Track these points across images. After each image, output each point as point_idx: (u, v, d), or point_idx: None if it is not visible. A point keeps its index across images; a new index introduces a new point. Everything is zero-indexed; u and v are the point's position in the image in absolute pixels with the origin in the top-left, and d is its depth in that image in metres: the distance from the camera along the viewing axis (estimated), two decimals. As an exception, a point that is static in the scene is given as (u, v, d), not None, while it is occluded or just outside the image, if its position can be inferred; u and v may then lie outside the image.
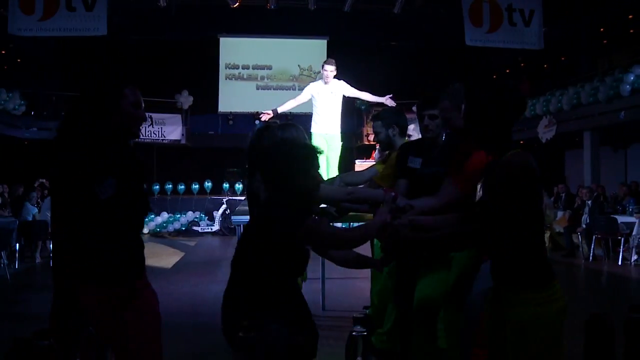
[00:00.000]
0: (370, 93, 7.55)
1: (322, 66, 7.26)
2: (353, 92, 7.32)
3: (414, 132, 4.53)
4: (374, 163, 5.00)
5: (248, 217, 5.71)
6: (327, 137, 7.15)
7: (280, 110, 7.33)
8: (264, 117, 7.22)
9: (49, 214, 10.70)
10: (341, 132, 7.44)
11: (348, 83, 7.35)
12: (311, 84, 7.59)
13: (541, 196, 2.41)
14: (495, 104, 2.22)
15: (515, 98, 2.26)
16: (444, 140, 3.42)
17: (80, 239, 2.20)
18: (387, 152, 4.47)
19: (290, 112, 17.23)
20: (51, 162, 2.25)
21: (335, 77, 7.21)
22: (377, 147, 5.90)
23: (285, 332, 2.44)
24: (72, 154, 2.20)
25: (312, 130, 7.27)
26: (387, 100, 7.33)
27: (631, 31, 15.48)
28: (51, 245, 10.14)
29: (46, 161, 2.23)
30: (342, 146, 7.46)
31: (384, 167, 4.19)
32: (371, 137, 18.34)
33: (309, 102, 7.41)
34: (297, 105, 7.60)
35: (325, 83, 7.17)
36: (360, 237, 2.55)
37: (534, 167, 2.22)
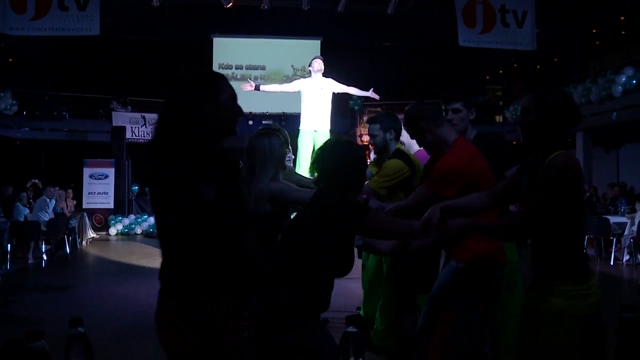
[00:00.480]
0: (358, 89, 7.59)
1: (311, 63, 7.20)
2: (341, 88, 7.28)
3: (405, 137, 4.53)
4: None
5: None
6: (315, 134, 7.05)
7: (262, 88, 7.38)
8: (247, 87, 7.27)
9: (40, 215, 10.67)
10: (330, 130, 7.32)
11: (340, 83, 7.34)
12: (301, 79, 7.53)
13: (582, 195, 2.44)
14: (562, 115, 2.35)
15: (576, 111, 2.40)
16: (472, 140, 3.41)
17: (188, 246, 2.06)
18: (377, 156, 4.45)
19: (284, 112, 17.36)
20: (153, 165, 2.09)
21: (323, 75, 7.17)
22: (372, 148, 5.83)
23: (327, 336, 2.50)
24: (177, 156, 2.04)
25: (301, 127, 7.21)
26: (371, 94, 7.45)
27: (623, 33, 15.56)
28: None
29: (146, 164, 1.95)
30: None
31: (379, 176, 4.10)
32: (365, 138, 18.35)
33: (299, 100, 7.34)
34: (281, 92, 7.60)
35: (315, 72, 7.10)
36: (407, 231, 2.56)
37: (573, 168, 2.29)
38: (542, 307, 2.31)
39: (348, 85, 7.37)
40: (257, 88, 7.33)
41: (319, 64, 7.10)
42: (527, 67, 18.84)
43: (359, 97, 18.35)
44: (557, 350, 2.27)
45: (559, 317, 2.26)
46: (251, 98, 18.96)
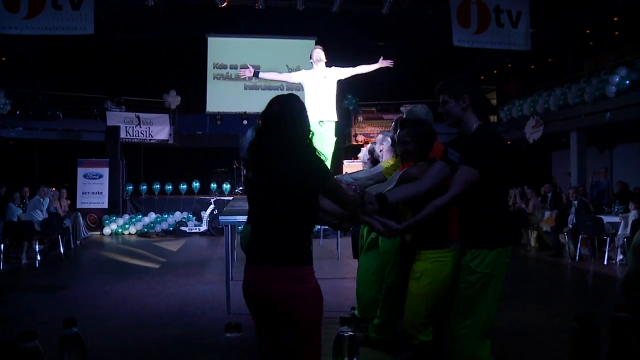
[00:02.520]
0: (367, 64, 6.75)
1: (311, 54, 6.65)
2: (347, 72, 6.64)
3: (383, 142, 4.67)
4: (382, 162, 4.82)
5: (236, 217, 5.74)
6: (321, 126, 6.39)
7: (260, 75, 6.78)
8: (246, 73, 6.71)
9: (34, 215, 10.62)
10: (336, 122, 6.66)
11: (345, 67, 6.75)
12: (302, 70, 6.83)
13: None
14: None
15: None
16: (471, 136, 3.11)
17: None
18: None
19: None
20: None
21: (326, 65, 6.65)
22: (366, 148, 5.67)
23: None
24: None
25: None
26: (382, 63, 6.76)
27: (616, 33, 15.62)
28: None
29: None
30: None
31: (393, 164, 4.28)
32: (359, 138, 18.37)
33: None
34: (278, 81, 7.02)
35: (317, 64, 6.55)
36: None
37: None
38: (414, 268, 3.42)
39: (354, 67, 6.72)
40: (255, 75, 6.76)
41: (318, 54, 6.61)
42: (521, 67, 18.88)
43: (354, 96, 18.40)
44: (415, 297, 3.37)
45: (422, 275, 3.36)
46: (246, 98, 19.03)
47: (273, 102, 2.58)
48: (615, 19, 14.77)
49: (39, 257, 10.00)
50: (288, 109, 2.53)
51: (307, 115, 2.57)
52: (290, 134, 2.47)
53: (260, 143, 2.53)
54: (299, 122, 2.52)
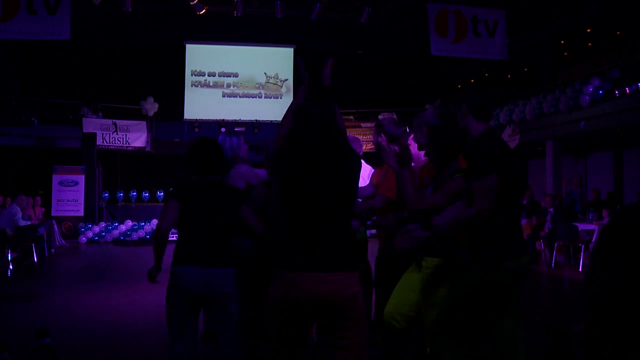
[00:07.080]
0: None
1: None
2: None
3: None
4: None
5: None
6: None
7: None
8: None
9: (12, 222, 10.43)
10: None
11: None
12: None
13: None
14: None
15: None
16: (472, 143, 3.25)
17: None
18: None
19: (257, 120, 17.32)
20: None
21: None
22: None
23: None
24: None
25: None
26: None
27: (589, 44, 15.91)
28: (10, 255, 9.87)
29: None
30: None
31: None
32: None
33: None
34: None
35: None
36: None
37: None
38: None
39: None
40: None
41: None
42: (498, 77, 19.11)
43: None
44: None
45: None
46: (224, 105, 18.98)
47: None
48: (589, 30, 15.05)
49: (11, 266, 9.81)
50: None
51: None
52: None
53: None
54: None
